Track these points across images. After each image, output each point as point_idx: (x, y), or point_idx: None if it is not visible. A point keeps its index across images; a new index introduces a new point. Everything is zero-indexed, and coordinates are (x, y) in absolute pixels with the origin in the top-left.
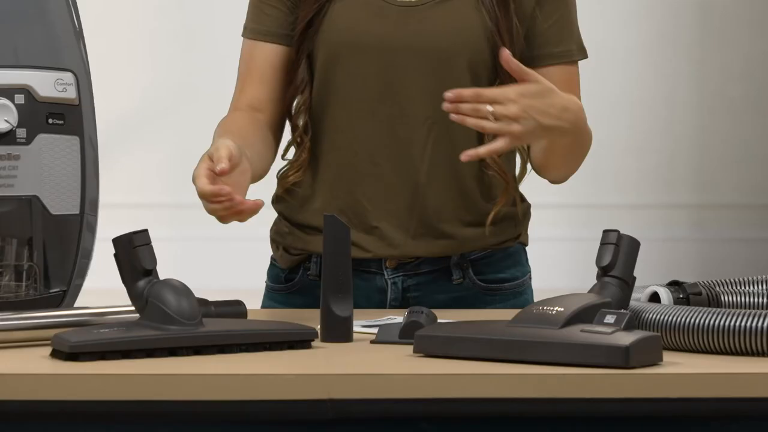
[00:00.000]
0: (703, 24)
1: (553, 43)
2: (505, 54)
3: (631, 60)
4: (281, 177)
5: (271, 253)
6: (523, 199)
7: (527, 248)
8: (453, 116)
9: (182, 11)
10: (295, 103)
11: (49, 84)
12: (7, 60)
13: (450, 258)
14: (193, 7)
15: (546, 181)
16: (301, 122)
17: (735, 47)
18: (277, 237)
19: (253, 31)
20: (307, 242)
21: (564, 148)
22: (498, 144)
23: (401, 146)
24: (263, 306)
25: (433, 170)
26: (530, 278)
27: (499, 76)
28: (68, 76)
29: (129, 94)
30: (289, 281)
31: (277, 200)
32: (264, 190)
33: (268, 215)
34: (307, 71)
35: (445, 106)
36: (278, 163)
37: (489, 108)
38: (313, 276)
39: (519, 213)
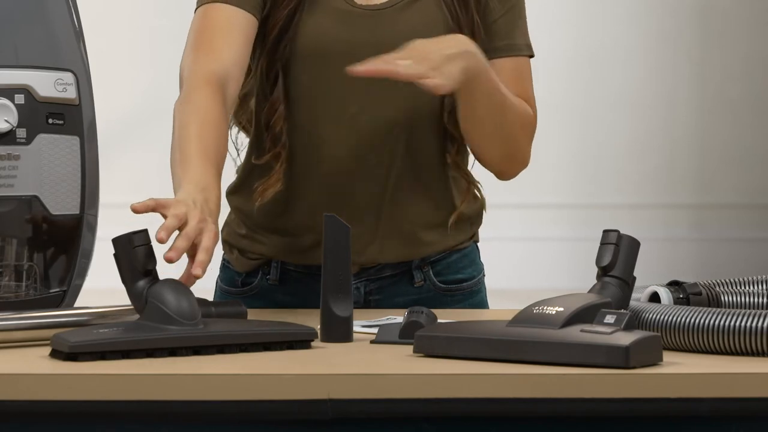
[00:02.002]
0: (703, 24)
1: (499, 36)
2: (352, 70)
3: (631, 60)
4: (259, 191)
5: (223, 254)
6: (475, 198)
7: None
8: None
9: (182, 11)
10: (272, 119)
11: (49, 84)
12: (7, 60)
13: (411, 261)
14: (192, 7)
15: (545, 181)
16: (280, 137)
17: (735, 48)
18: (230, 239)
19: None
20: (268, 247)
21: (484, 107)
22: (434, 81)
23: (370, 152)
24: None
25: (401, 176)
26: (484, 276)
27: None
28: (68, 76)
29: (129, 94)
30: (246, 285)
31: (233, 191)
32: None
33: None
34: (282, 84)
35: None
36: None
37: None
38: (273, 281)
39: (477, 212)
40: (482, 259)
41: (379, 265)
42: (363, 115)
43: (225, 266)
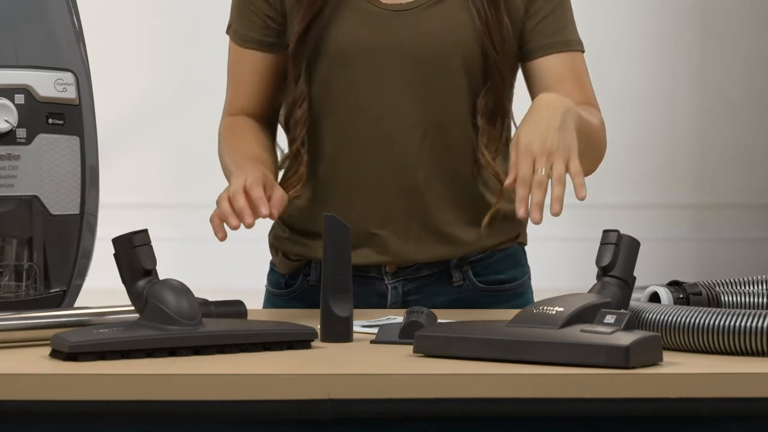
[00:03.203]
0: (703, 24)
1: (546, 34)
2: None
3: (631, 60)
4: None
5: (270, 257)
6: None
7: (526, 248)
8: (534, 216)
9: (182, 11)
10: (293, 117)
11: (49, 84)
12: (7, 60)
13: (449, 260)
14: (193, 7)
15: None
16: (299, 135)
17: (735, 47)
18: (275, 242)
19: (237, 35)
20: (308, 248)
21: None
22: (578, 180)
23: (397, 152)
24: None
25: (431, 175)
26: (530, 278)
27: (490, 77)
28: (68, 76)
29: (129, 94)
30: (289, 287)
31: None
32: None
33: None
34: (305, 83)
35: (521, 214)
36: None
37: (542, 173)
38: (314, 282)
39: (513, 213)
40: None
41: (416, 265)
42: (389, 115)
43: (271, 269)
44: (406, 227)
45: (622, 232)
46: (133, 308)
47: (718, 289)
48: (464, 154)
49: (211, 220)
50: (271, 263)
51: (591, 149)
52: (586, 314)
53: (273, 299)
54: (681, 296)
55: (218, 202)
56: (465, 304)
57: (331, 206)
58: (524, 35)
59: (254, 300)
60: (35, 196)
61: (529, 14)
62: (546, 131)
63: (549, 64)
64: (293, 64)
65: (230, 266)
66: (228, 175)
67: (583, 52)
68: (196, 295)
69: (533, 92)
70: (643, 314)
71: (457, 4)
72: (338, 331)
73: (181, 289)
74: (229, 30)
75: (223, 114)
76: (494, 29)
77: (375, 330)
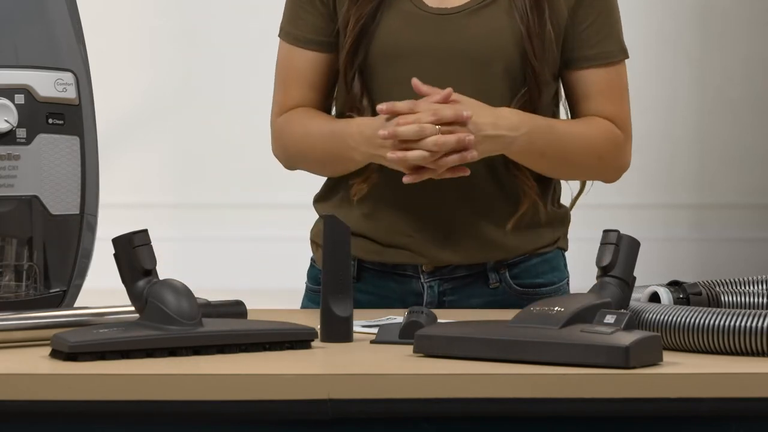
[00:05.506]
0: (703, 25)
1: (589, 45)
2: (414, 81)
3: (632, 60)
4: (357, 185)
5: (311, 254)
6: (559, 205)
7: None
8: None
9: (182, 11)
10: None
11: (49, 84)
12: (7, 60)
13: (486, 263)
14: (193, 7)
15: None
16: None
17: (735, 48)
18: (316, 239)
19: (290, 35)
20: None
21: (536, 157)
22: (473, 153)
23: None
24: (302, 307)
25: (469, 179)
26: (568, 283)
27: (527, 83)
28: (68, 76)
29: (129, 94)
30: None
31: (319, 199)
32: (306, 189)
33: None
34: (359, 82)
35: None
36: None
37: (468, 137)
38: (353, 279)
39: (560, 218)
40: None
41: (452, 266)
42: None
43: (312, 265)
44: (442, 233)
45: (622, 232)
46: (133, 308)
47: (718, 289)
48: (504, 161)
49: (398, 161)
50: (312, 260)
51: (555, 164)
52: (586, 314)
53: (312, 296)
54: (681, 296)
55: (396, 132)
56: (501, 306)
57: (367, 207)
58: (567, 42)
59: (254, 300)
60: (35, 196)
61: (574, 21)
62: (477, 128)
63: (587, 78)
64: (347, 66)
65: (230, 266)
66: (340, 138)
67: (625, 58)
68: (196, 296)
69: (569, 102)
70: (643, 314)
71: (501, 9)
72: (338, 331)
73: (181, 289)
74: (282, 32)
75: (274, 115)
76: (535, 35)
77: (375, 330)
